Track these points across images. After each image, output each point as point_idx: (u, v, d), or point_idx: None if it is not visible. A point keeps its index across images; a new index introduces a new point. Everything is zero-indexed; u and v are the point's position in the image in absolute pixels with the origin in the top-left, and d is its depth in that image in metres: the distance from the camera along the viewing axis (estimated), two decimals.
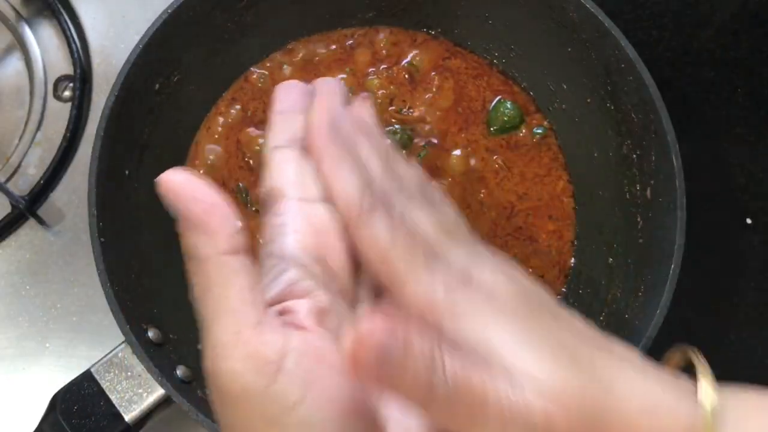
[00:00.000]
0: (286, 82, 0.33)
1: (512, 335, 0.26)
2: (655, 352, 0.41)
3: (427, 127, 0.52)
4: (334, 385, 0.25)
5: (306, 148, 0.31)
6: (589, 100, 0.50)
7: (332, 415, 0.25)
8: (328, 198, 0.30)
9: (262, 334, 0.24)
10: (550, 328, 0.27)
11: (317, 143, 0.30)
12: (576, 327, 0.28)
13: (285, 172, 0.30)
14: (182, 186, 0.25)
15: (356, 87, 0.53)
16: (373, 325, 0.24)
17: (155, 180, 0.25)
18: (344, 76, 0.53)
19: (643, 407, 0.25)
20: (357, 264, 0.29)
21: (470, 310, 0.26)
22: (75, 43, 0.56)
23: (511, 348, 0.25)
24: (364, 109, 0.35)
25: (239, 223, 0.25)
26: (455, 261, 0.28)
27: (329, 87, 0.33)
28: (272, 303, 0.26)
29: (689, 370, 0.28)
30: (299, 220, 0.29)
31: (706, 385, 0.26)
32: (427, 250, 0.28)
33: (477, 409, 0.24)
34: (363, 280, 0.31)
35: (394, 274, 0.27)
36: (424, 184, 0.33)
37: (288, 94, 0.33)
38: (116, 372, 0.41)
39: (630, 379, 0.26)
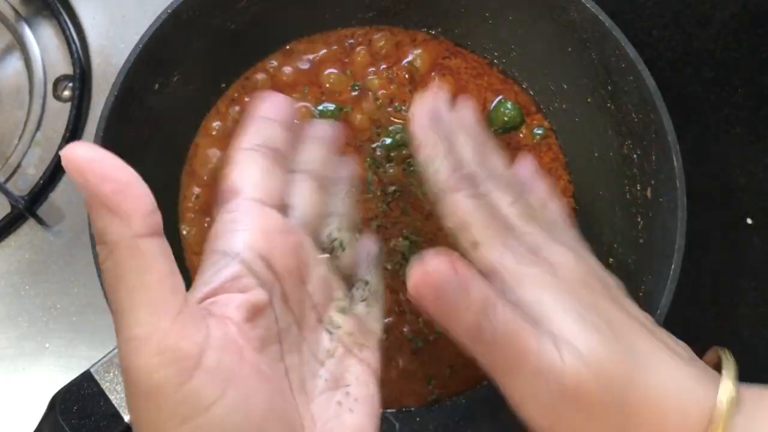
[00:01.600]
0: (271, 93, 0.34)
1: (564, 307, 0.28)
2: None
3: None
4: (252, 387, 0.24)
5: (276, 157, 0.31)
6: (589, 100, 0.50)
7: (247, 417, 0.23)
8: (284, 208, 0.30)
9: (182, 327, 0.23)
10: (603, 308, 0.29)
11: (417, 130, 0.33)
12: (628, 312, 0.31)
13: (248, 172, 0.30)
14: (89, 163, 0.21)
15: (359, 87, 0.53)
16: (440, 263, 0.26)
17: (59, 153, 0.21)
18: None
19: (668, 388, 0.27)
20: (305, 273, 0.29)
21: (532, 279, 0.29)
22: (75, 43, 0.56)
23: (561, 316, 0.27)
24: (465, 108, 0.37)
25: (154, 202, 0.23)
26: (528, 239, 0.31)
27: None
28: (207, 296, 0.25)
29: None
30: (250, 219, 0.28)
31: (727, 380, 0.28)
32: (503, 224, 0.31)
33: (517, 359, 0.26)
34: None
35: (470, 237, 0.30)
36: (517, 181, 0.36)
37: (271, 103, 0.33)
38: (116, 372, 0.41)
39: (663, 362, 0.28)
